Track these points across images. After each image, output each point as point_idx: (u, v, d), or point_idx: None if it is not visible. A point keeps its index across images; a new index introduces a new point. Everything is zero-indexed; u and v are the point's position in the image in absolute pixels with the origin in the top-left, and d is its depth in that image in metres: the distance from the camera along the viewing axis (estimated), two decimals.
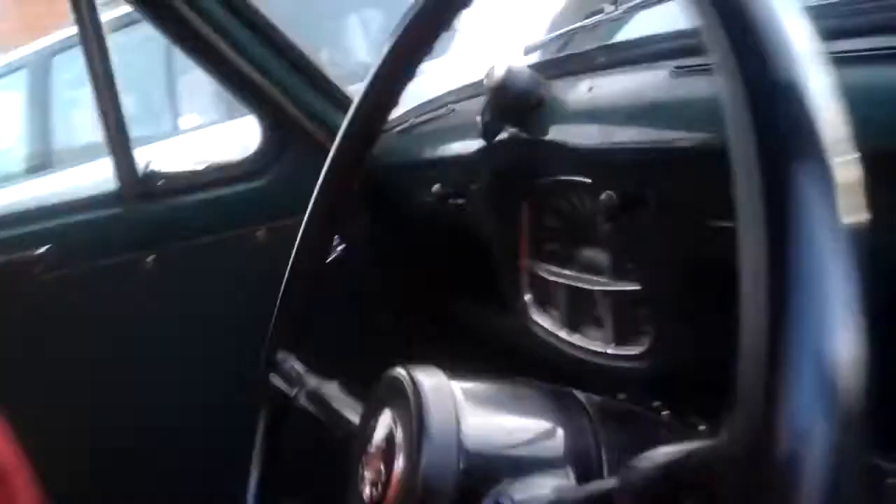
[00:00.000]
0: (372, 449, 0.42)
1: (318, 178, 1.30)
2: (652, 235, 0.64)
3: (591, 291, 0.78)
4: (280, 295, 0.66)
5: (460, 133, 0.92)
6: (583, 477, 0.39)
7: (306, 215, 0.65)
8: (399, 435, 0.40)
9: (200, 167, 1.19)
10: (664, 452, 0.27)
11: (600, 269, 0.78)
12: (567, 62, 0.77)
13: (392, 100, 0.61)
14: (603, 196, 0.64)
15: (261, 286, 1.23)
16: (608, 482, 0.33)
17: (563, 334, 0.82)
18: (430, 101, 1.06)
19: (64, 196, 1.13)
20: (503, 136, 0.78)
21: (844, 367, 0.22)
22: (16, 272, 1.06)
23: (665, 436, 0.45)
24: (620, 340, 0.75)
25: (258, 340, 1.24)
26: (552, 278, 0.82)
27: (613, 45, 0.79)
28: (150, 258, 1.15)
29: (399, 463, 0.39)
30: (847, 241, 0.23)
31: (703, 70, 0.58)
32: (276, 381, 0.63)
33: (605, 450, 0.41)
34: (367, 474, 0.41)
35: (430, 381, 0.40)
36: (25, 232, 1.08)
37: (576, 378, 0.83)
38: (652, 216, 0.63)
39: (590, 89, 0.69)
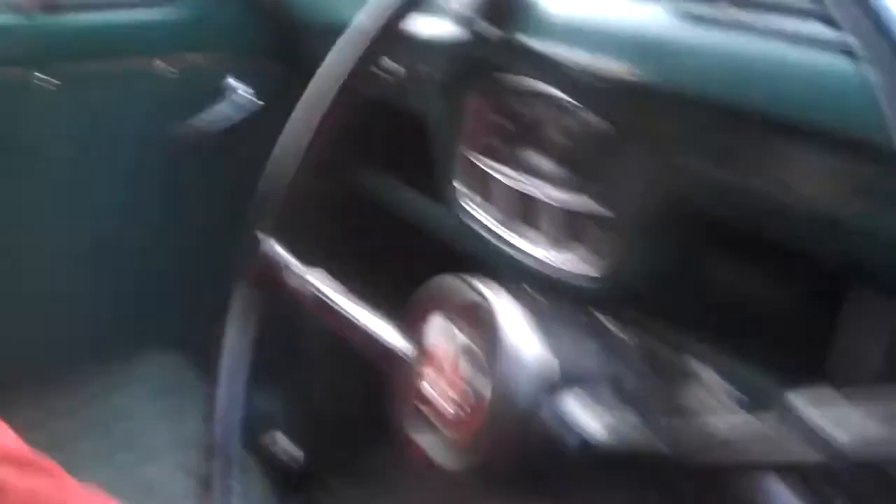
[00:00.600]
0: (441, 359, 0.45)
1: (229, 15, 1.24)
2: (636, 166, 0.69)
3: (534, 196, 0.82)
4: (263, 178, 0.64)
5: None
6: (617, 394, 0.45)
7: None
8: (479, 351, 0.43)
9: None
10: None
11: (545, 176, 0.82)
12: None
13: None
14: (593, 120, 0.68)
15: (157, 119, 1.19)
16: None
17: (494, 228, 0.87)
18: None
19: None
20: (480, 30, 0.79)
21: None
22: None
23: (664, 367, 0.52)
24: (560, 248, 0.81)
25: (153, 174, 1.21)
26: (497, 175, 0.86)
27: None
28: (44, 76, 1.06)
29: (480, 382, 0.43)
30: None
31: (715, 22, 0.63)
32: (259, 261, 0.63)
33: (642, 378, 0.47)
34: (441, 384, 0.44)
35: (498, 297, 0.44)
36: None
37: (507, 275, 0.90)
38: (641, 150, 0.68)
39: (585, 8, 0.71)
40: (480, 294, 0.44)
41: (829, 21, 0.51)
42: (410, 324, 0.48)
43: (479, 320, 0.43)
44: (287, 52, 1.29)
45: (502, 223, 0.86)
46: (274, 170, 0.64)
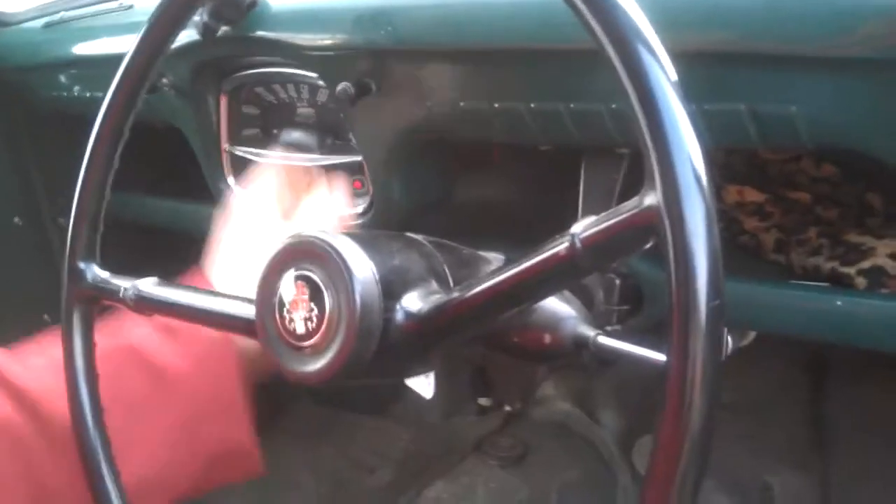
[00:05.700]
0: (293, 297, 0.54)
1: None
2: (378, 115, 0.81)
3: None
4: (75, 207, 0.67)
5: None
6: (442, 286, 0.57)
7: (95, 133, 0.67)
8: (322, 280, 0.53)
9: None
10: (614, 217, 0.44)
11: (306, 148, 0.92)
12: None
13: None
14: (339, 87, 0.78)
15: None
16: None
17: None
18: None
19: None
20: (211, 31, 0.85)
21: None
22: None
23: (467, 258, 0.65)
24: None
25: None
26: (261, 160, 0.94)
27: None
28: None
29: (330, 301, 0.52)
30: None
31: None
32: (91, 290, 0.67)
33: (447, 266, 0.59)
34: (297, 315, 0.54)
35: (336, 238, 0.54)
36: None
37: None
38: (378, 101, 0.79)
39: None
40: (316, 237, 0.54)
41: None
42: (265, 284, 0.56)
43: (319, 255, 0.53)
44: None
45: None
46: (80, 201, 0.67)
